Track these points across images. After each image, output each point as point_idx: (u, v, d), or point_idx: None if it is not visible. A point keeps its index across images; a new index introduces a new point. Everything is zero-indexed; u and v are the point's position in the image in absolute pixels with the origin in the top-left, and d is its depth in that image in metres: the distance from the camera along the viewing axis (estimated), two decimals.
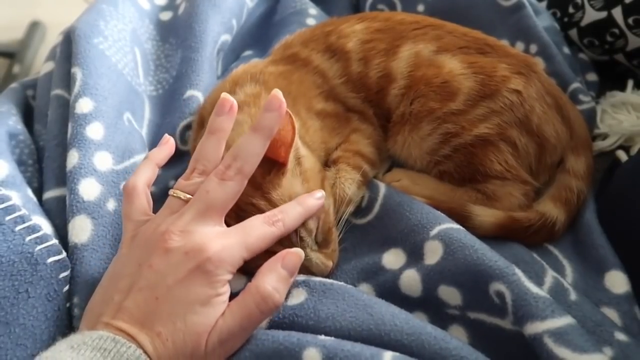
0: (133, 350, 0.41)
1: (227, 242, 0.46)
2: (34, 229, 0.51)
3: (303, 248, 0.54)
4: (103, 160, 0.59)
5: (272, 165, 0.53)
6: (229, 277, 0.46)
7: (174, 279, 0.44)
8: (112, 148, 0.60)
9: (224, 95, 0.53)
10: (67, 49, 0.67)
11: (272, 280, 0.46)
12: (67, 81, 0.65)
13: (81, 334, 0.41)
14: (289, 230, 0.50)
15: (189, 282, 0.44)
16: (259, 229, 0.48)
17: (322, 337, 0.45)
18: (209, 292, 0.44)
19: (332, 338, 0.45)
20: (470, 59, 0.65)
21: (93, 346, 0.40)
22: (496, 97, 0.62)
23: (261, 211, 0.52)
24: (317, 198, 0.53)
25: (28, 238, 0.50)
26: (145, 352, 0.42)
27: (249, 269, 0.54)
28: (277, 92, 0.50)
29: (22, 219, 0.51)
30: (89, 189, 0.56)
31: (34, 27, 1.64)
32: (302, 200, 0.52)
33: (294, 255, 0.48)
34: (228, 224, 0.52)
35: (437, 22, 0.71)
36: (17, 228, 0.50)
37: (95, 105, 0.61)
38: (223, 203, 0.48)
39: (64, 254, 0.52)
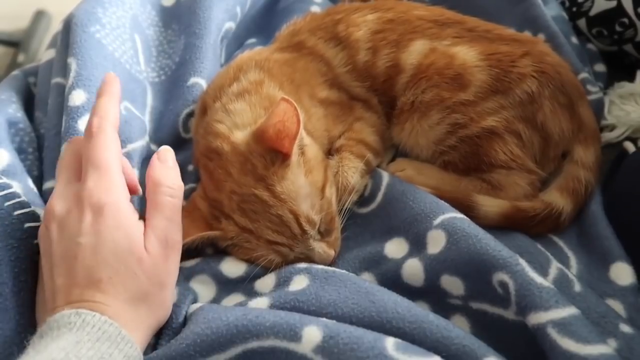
0: (98, 317, 0.41)
1: (91, 177, 0.47)
2: (33, 216, 0.50)
3: (305, 239, 0.54)
4: None
5: (275, 156, 0.53)
6: (122, 193, 0.48)
7: (78, 234, 0.45)
8: None
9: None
10: (67, 38, 0.66)
11: (162, 172, 0.50)
12: (66, 70, 0.64)
13: (46, 322, 0.42)
14: (112, 122, 0.50)
15: (93, 226, 0.45)
16: (92, 145, 0.48)
17: (324, 319, 0.45)
18: (116, 218, 0.46)
19: (335, 321, 0.45)
20: (488, 50, 0.64)
21: (58, 325, 0.40)
22: (508, 95, 0.62)
23: (264, 203, 0.52)
24: (111, 79, 0.53)
25: (27, 225, 0.49)
26: (104, 304, 0.43)
27: (252, 259, 0.54)
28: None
29: (21, 205, 0.50)
30: None
31: (39, 16, 1.64)
32: (102, 91, 0.52)
33: (164, 150, 0.53)
34: (231, 217, 0.52)
35: (457, 17, 0.69)
36: (16, 213, 0.49)
37: (88, 97, 0.60)
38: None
39: None
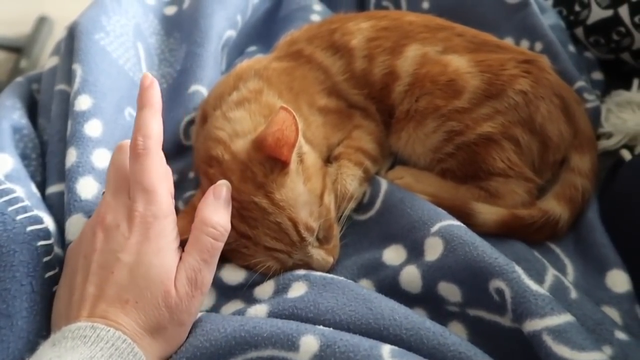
0: (112, 332, 0.42)
1: (140, 200, 0.47)
2: (35, 220, 0.51)
3: (304, 246, 0.54)
4: (101, 158, 0.59)
5: (274, 164, 0.54)
6: (171, 218, 0.48)
7: (121, 249, 0.45)
8: (110, 145, 0.60)
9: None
10: (71, 45, 0.67)
11: (211, 210, 0.49)
12: (70, 77, 0.65)
13: (60, 330, 0.42)
14: (156, 139, 0.49)
15: (136, 246, 0.46)
16: (138, 167, 0.48)
17: (321, 327, 0.45)
18: (159, 243, 0.46)
19: (331, 329, 0.45)
20: (478, 57, 0.65)
21: (73, 337, 0.41)
22: (502, 98, 0.62)
23: (263, 210, 0.53)
24: (149, 84, 0.51)
25: (29, 228, 0.50)
26: (123, 326, 0.43)
27: (250, 265, 0.55)
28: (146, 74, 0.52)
29: (24, 209, 0.51)
30: (86, 187, 0.56)
31: (42, 22, 1.65)
32: (143, 102, 0.51)
33: (220, 185, 0.51)
34: (230, 223, 0.52)
35: (447, 24, 0.71)
36: (19, 217, 0.50)
37: (94, 102, 0.61)
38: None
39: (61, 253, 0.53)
